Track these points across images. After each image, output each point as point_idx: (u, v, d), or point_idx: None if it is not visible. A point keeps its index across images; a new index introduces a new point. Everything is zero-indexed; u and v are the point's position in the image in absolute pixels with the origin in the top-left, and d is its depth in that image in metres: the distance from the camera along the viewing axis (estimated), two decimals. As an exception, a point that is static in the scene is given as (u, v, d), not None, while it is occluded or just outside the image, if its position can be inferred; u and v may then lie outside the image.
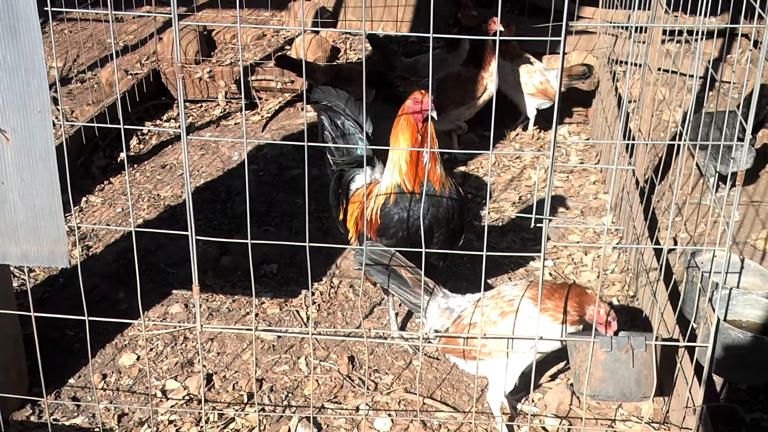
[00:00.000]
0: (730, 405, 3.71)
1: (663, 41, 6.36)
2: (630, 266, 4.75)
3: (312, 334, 3.52)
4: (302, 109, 5.13)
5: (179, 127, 6.48)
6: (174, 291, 4.55)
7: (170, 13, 7.18)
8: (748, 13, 5.06)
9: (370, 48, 7.12)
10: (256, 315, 4.36)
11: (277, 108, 4.99)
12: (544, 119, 6.65)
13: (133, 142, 6.37)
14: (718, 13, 6.14)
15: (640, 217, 4.60)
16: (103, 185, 5.77)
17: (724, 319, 3.58)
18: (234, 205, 5.41)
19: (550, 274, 4.81)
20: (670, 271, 4.07)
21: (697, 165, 5.22)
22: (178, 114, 6.80)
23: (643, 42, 5.34)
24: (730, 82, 6.31)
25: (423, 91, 3.89)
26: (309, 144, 2.80)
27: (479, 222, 5.34)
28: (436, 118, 3.84)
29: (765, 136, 5.76)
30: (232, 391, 3.86)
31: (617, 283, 4.70)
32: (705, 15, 3.83)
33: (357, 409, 3.77)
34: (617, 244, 5.07)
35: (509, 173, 6.03)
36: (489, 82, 6.11)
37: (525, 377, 3.53)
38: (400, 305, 4.28)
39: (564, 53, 2.76)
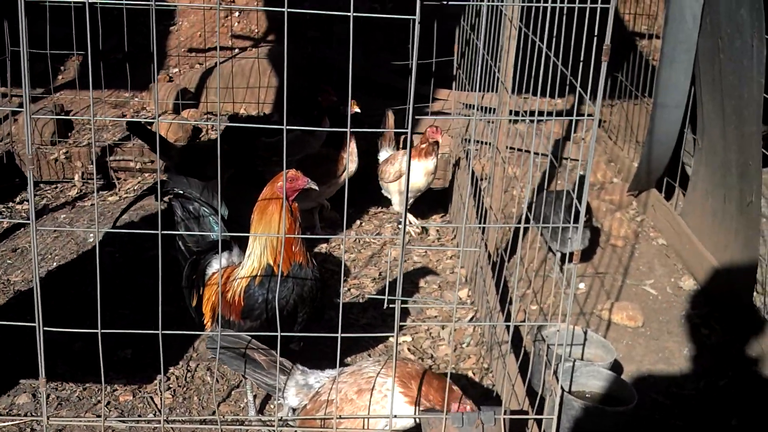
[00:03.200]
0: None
1: (514, 121, 6.73)
2: (484, 339, 4.89)
3: (165, 421, 3.45)
4: (156, 199, 5.09)
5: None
6: (21, 380, 4.38)
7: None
8: (591, 96, 5.42)
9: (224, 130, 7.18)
10: (108, 403, 4.24)
11: (131, 201, 4.98)
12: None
13: (-18, 226, 6.17)
14: (567, 94, 6.51)
15: (492, 292, 4.76)
16: (-52, 271, 5.54)
17: (569, 391, 3.75)
18: (89, 288, 5.29)
19: (409, 348, 4.89)
20: (520, 344, 4.24)
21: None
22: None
23: (493, 122, 5.61)
24: (577, 159, 6.68)
25: (295, 170, 3.94)
26: (163, 232, 2.82)
27: (339, 299, 5.40)
28: (317, 188, 3.89)
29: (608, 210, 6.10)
30: (82, 484, 3.74)
31: (472, 356, 4.83)
32: (551, 97, 4.09)
33: (213, 495, 3.71)
34: (472, 318, 5.22)
35: (370, 250, 6.14)
36: (349, 161, 6.25)
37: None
38: (258, 387, 4.26)
39: (411, 141, 2.89)
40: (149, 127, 6.19)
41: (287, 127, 2.88)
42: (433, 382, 3.53)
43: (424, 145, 6.13)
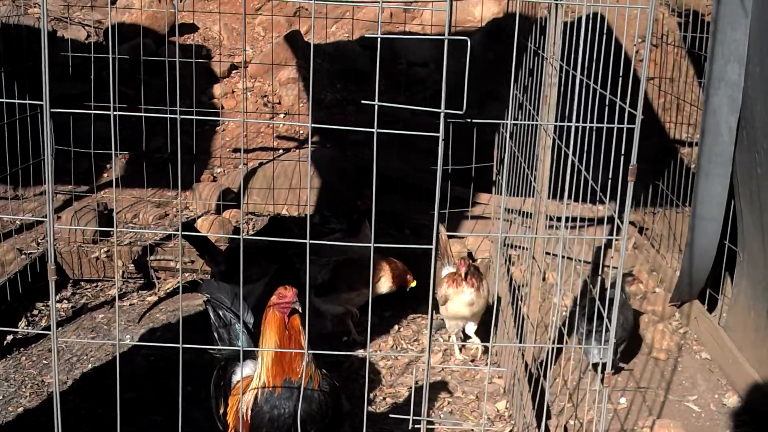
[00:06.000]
0: None
1: (552, 227, 6.70)
2: (521, 456, 4.77)
3: None
4: (200, 293, 5.13)
5: (72, 307, 6.38)
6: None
7: (70, 193, 7.19)
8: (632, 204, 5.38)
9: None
10: None
11: (153, 303, 5.00)
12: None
13: (22, 323, 6.22)
14: (609, 201, 6.48)
15: (528, 406, 4.65)
16: (-16, 370, 5.59)
17: None
18: (122, 393, 5.26)
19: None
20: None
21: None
22: (71, 294, 6.75)
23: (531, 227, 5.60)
24: (614, 267, 6.60)
25: (288, 286, 3.92)
26: (184, 345, 2.82)
27: (375, 408, 5.32)
28: (300, 311, 3.86)
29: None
30: None
31: (511, 474, 4.71)
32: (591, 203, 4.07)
33: None
34: (508, 433, 5.09)
35: (407, 357, 6.05)
36: (387, 274, 6.23)
37: None
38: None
39: (436, 255, 2.88)
40: (200, 232, 6.26)
41: (310, 242, 2.91)
42: None
43: (456, 276, 5.86)
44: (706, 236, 5.52)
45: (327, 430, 3.91)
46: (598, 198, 3.44)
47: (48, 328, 6.16)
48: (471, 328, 5.98)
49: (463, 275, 5.77)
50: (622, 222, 2.87)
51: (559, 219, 6.08)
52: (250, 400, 3.85)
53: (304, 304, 3.82)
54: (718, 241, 5.54)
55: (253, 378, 4.00)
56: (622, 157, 2.86)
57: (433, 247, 2.74)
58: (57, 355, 5.71)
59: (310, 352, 3.23)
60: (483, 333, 5.95)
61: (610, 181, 3.17)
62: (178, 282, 6.98)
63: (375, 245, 2.87)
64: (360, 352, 6.04)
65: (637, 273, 6.71)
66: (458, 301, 5.79)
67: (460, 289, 5.78)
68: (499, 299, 5.82)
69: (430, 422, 5.15)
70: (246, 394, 3.89)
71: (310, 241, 2.84)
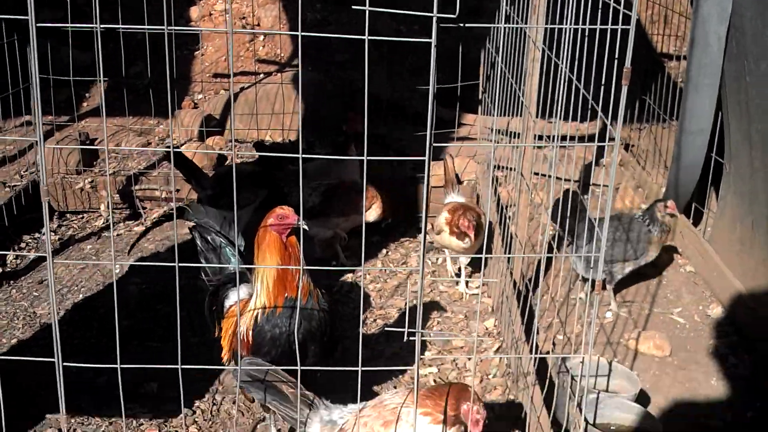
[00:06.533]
0: None
1: (540, 147, 6.68)
2: (511, 370, 4.84)
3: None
4: (187, 220, 5.10)
5: (59, 239, 6.36)
6: (48, 415, 4.38)
7: (52, 124, 7.08)
8: (614, 120, 5.34)
9: (257, 155, 7.20)
10: (133, 439, 4.26)
11: (146, 227, 4.97)
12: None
13: (10, 256, 6.21)
14: (589, 119, 6.48)
15: (518, 322, 4.71)
16: (-26, 303, 5.61)
17: (593, 423, 3.70)
18: (114, 321, 5.29)
19: (435, 380, 4.85)
20: (545, 376, 4.18)
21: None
22: (57, 226, 6.72)
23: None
24: (606, 185, 6.62)
25: (285, 206, 3.92)
26: (180, 264, 2.82)
27: (366, 330, 5.37)
28: (307, 228, 3.87)
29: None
30: None
31: (499, 387, 4.78)
32: (577, 121, 4.05)
33: None
34: (498, 349, 5.17)
35: (396, 279, 6.10)
36: (377, 203, 6.23)
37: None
38: (282, 420, 4.24)
39: (429, 178, 2.86)
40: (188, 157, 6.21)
41: (303, 155, 2.88)
42: (453, 391, 3.48)
43: (456, 228, 5.70)
44: (694, 149, 5.53)
45: (325, 347, 3.96)
46: (589, 106, 3.40)
47: (38, 259, 6.16)
48: (464, 260, 6.01)
49: (472, 239, 5.69)
50: (615, 128, 2.84)
51: (548, 138, 6.10)
52: (250, 320, 3.88)
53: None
54: (705, 155, 5.55)
55: (247, 301, 4.03)
56: (616, 61, 2.82)
57: (427, 159, 2.72)
58: (47, 287, 5.75)
59: (309, 268, 3.24)
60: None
61: (603, 87, 3.12)
62: (165, 210, 6.95)
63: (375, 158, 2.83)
64: (351, 275, 6.08)
65: (623, 190, 6.72)
66: (455, 243, 5.78)
67: (461, 238, 5.71)
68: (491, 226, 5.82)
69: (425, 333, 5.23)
70: (244, 316, 3.92)
71: (303, 155, 2.81)
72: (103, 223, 6.82)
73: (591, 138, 6.72)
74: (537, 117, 5.12)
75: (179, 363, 2.97)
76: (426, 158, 2.85)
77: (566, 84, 3.70)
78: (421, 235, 2.85)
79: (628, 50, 2.69)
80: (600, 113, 3.18)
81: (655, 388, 4.55)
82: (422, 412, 3.46)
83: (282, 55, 9.56)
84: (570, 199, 5.19)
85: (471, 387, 3.39)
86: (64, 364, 2.89)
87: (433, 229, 5.99)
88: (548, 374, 4.21)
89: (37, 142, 2.76)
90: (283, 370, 3.65)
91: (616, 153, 3.04)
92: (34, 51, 2.57)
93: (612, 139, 2.99)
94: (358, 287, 5.96)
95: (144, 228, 6.72)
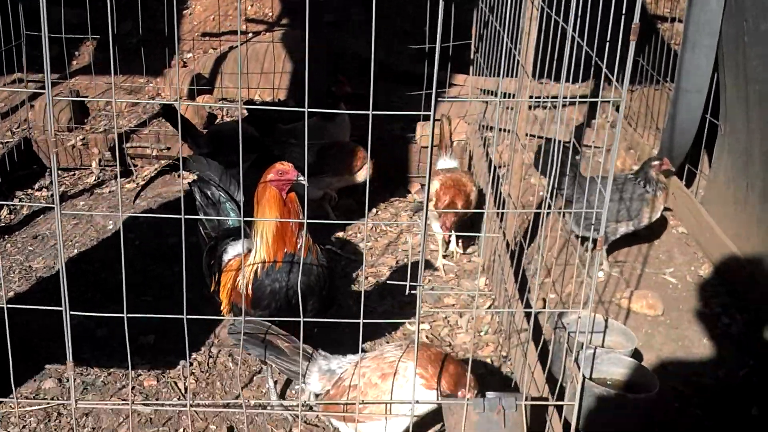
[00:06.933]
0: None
1: (531, 107, 6.70)
2: (503, 327, 4.90)
3: (190, 406, 3.48)
4: (178, 176, 5.10)
5: (52, 196, 6.35)
6: (47, 365, 4.41)
7: (43, 82, 7.07)
8: (610, 81, 5.36)
9: (247, 114, 7.18)
10: (132, 388, 4.28)
11: (150, 176, 4.95)
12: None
13: (4, 212, 6.19)
14: (581, 80, 6.51)
15: (511, 280, 4.76)
16: (-30, 257, 5.60)
17: (590, 378, 3.75)
18: (108, 275, 5.31)
19: (427, 336, 4.90)
20: (539, 332, 4.24)
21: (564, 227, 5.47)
22: (50, 183, 6.69)
23: (512, 108, 5.58)
24: (598, 147, 6.64)
25: (284, 162, 3.94)
26: (186, 216, 2.84)
27: (358, 287, 5.41)
28: (305, 184, 3.88)
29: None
30: (108, 468, 3.78)
31: (491, 344, 4.83)
32: (570, 82, 4.05)
33: (237, 480, 3.74)
34: (490, 306, 5.22)
35: (386, 238, 6.14)
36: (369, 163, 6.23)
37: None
38: (279, 373, 4.29)
39: (434, 127, 2.88)
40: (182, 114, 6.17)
41: (308, 110, 2.88)
42: (449, 367, 3.55)
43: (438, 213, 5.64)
44: (689, 109, 5.55)
45: (323, 301, 4.00)
46: (593, 63, 3.40)
47: (32, 214, 6.15)
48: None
49: (452, 233, 5.70)
50: (622, 85, 2.85)
51: (539, 98, 6.11)
52: (250, 274, 3.90)
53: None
54: (701, 115, 5.57)
55: (246, 256, 4.05)
56: (623, 17, 2.83)
57: (432, 116, 2.73)
58: (41, 242, 5.75)
59: (312, 222, 3.26)
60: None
61: (608, 44, 3.13)
62: (163, 164, 6.94)
63: (374, 113, 2.84)
64: (342, 232, 6.10)
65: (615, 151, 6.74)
66: (434, 226, 5.76)
67: (440, 221, 5.66)
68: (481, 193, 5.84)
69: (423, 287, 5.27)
70: (243, 270, 3.94)
71: (309, 110, 2.82)
72: (95, 180, 6.79)
73: (585, 98, 6.75)
74: (534, 77, 5.13)
75: (185, 313, 2.99)
76: (431, 113, 2.88)
77: (568, 43, 3.70)
78: (425, 189, 2.88)
79: (636, 5, 2.69)
80: (605, 70, 3.18)
81: (647, 346, 4.62)
82: (419, 373, 3.51)
83: (271, 14, 9.50)
84: (554, 150, 5.19)
85: (468, 373, 3.44)
86: (71, 312, 2.90)
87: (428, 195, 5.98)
88: (542, 331, 4.28)
89: (44, 95, 2.76)
90: (282, 323, 3.69)
91: (622, 111, 3.06)
92: (43, 5, 2.55)
93: (617, 98, 3.01)
94: (349, 244, 5.98)
95: (135, 185, 6.70)
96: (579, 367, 3.56)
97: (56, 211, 2.70)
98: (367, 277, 5.54)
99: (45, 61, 2.63)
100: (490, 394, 3.47)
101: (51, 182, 6.74)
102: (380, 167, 6.41)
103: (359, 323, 3.10)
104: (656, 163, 5.24)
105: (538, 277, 4.65)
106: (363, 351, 3.87)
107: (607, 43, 3.16)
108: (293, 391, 4.38)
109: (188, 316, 3.04)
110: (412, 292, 3.02)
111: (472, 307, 5.17)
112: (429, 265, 5.73)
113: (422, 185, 6.88)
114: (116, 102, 7.49)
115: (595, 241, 3.15)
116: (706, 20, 5.26)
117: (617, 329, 4.37)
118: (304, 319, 3.22)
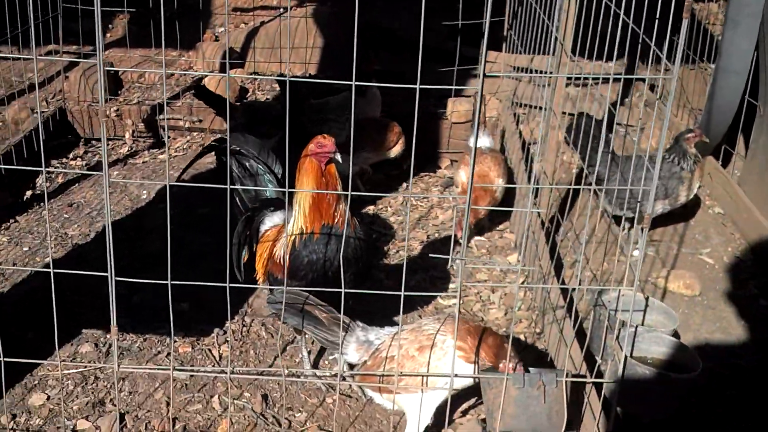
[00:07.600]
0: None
1: (566, 85, 6.65)
2: (536, 304, 4.88)
3: (231, 372, 3.51)
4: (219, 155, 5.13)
5: (86, 165, 6.39)
6: (84, 330, 4.46)
7: (78, 53, 7.10)
8: (645, 60, 5.29)
9: (278, 89, 7.17)
10: (168, 354, 4.31)
11: (197, 154, 4.96)
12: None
13: (39, 180, 6.23)
14: (615, 59, 6.44)
15: (546, 257, 4.74)
16: (8, 224, 5.65)
17: (631, 356, 3.73)
18: (142, 244, 5.34)
19: (460, 311, 4.89)
20: (575, 310, 4.21)
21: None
22: (84, 152, 6.73)
23: (545, 86, 5.53)
24: (631, 125, 6.60)
25: (326, 135, 3.94)
26: (231, 187, 2.85)
27: (389, 261, 5.41)
28: (340, 161, 3.91)
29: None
30: (145, 431, 3.80)
31: (524, 320, 4.82)
32: (605, 61, 4.02)
33: (272, 448, 3.76)
34: (524, 282, 5.20)
35: (417, 212, 6.13)
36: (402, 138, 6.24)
37: (440, 413, 3.58)
38: (312, 343, 4.30)
39: (480, 105, 2.86)
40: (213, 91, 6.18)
41: (356, 83, 2.87)
42: (488, 339, 3.54)
43: None
44: (729, 90, 5.49)
45: (360, 273, 4.01)
46: (628, 41, 3.36)
47: (67, 182, 6.18)
48: None
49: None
50: (672, 62, 2.82)
51: (578, 75, 6.05)
52: (288, 245, 3.91)
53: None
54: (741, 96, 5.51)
55: (282, 226, 4.05)
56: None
57: (479, 95, 2.72)
58: (77, 210, 5.79)
59: (350, 194, 3.26)
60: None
61: (658, 21, 3.09)
62: (187, 141, 6.95)
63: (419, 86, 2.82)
64: (373, 206, 6.10)
65: (649, 130, 6.68)
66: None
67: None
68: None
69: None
70: (281, 240, 3.95)
71: (357, 83, 2.80)
72: (128, 150, 6.83)
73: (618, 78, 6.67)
74: (573, 54, 5.08)
75: (227, 281, 3.02)
76: (479, 89, 2.86)
77: (611, 21, 3.66)
78: (471, 162, 2.87)
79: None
80: (654, 48, 3.14)
81: (685, 326, 4.58)
82: (458, 345, 3.51)
83: (303, -11, 9.46)
84: (585, 124, 5.14)
85: (508, 345, 3.44)
86: (117, 278, 2.94)
87: (458, 167, 5.99)
88: (574, 308, 4.26)
89: (96, 63, 2.79)
90: (317, 293, 3.69)
91: (674, 87, 3.02)
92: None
93: (668, 71, 2.97)
94: (379, 219, 5.98)
95: (168, 156, 6.71)
96: (621, 347, 3.54)
97: (104, 178, 2.72)
98: (398, 251, 5.53)
99: (97, 33, 2.67)
100: (531, 370, 3.47)
101: (85, 152, 6.78)
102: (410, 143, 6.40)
103: (396, 295, 3.10)
104: (690, 135, 5.19)
105: (571, 255, 4.62)
106: (396, 323, 3.88)
107: (657, 21, 3.12)
108: (326, 362, 4.39)
109: (231, 285, 3.06)
110: (453, 265, 3.02)
111: (508, 283, 5.16)
112: (458, 241, 5.72)
113: (452, 161, 6.86)
114: (155, 73, 7.52)
115: (632, 219, 3.12)
116: (748, 1, 5.19)
117: (658, 308, 4.33)
118: (345, 290, 3.22)
